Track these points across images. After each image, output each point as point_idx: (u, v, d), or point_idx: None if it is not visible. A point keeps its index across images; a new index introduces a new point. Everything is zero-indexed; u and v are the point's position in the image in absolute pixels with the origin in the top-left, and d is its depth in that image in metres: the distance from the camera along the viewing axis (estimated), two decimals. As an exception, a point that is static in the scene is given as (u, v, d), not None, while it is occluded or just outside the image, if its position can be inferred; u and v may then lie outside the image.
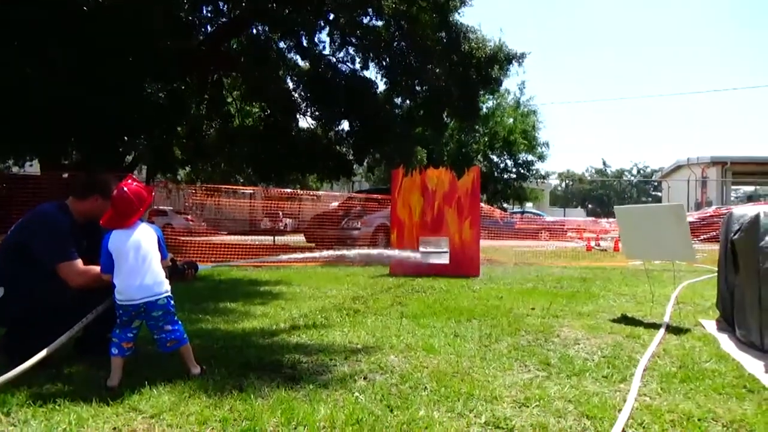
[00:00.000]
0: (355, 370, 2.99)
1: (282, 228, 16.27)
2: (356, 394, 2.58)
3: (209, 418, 2.26)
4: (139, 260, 2.73)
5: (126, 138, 12.86)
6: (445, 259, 7.88)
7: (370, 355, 3.27)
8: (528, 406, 2.45)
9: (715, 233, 12.19)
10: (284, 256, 7.12)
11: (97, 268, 2.87)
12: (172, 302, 2.82)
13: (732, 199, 34.10)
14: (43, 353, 2.70)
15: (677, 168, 38.67)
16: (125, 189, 2.80)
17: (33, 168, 18.08)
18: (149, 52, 9.99)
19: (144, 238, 2.80)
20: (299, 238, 14.74)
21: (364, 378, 2.85)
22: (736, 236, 3.92)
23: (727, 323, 4.16)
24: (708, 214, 17.49)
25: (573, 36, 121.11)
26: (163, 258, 2.92)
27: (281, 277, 7.72)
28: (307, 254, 6.65)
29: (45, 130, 10.09)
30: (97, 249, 2.85)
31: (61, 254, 2.95)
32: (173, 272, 3.07)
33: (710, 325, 4.26)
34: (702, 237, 13.18)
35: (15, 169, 18.20)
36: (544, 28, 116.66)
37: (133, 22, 9.17)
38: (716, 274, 4.66)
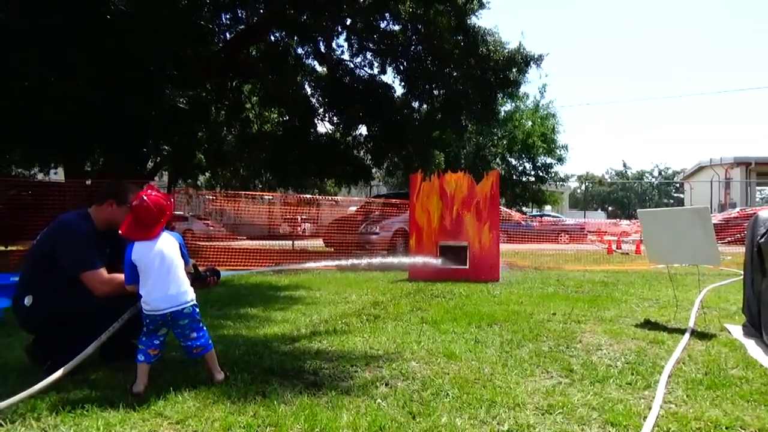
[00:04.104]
0: (376, 376, 2.99)
1: (301, 233, 16.39)
2: (378, 400, 2.58)
3: (233, 424, 2.29)
4: (164, 270, 2.75)
5: (148, 144, 13.05)
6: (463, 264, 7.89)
7: (391, 362, 3.27)
8: (551, 414, 2.43)
9: (740, 235, 11.99)
10: (316, 263, 7.14)
11: (121, 276, 2.89)
12: (197, 310, 2.85)
13: (757, 200, 33.44)
14: (71, 364, 2.74)
15: (699, 169, 38.05)
16: (146, 199, 2.77)
17: (58, 175, 18.45)
18: (169, 59, 10.13)
19: (167, 247, 2.81)
20: (318, 243, 14.82)
21: (386, 384, 2.86)
22: (762, 240, 3.86)
23: (753, 328, 4.08)
24: (732, 216, 17.19)
25: (593, 37, 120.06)
26: (186, 264, 2.94)
27: (300, 281, 7.76)
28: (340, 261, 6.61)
29: (67, 138, 10.27)
30: (121, 257, 2.87)
31: (84, 264, 2.99)
32: (196, 279, 3.10)
33: (736, 331, 4.19)
34: (727, 239, 12.96)
35: (40, 177, 18.60)
36: (563, 29, 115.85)
37: (153, 30, 9.31)
38: (741, 277, 4.58)
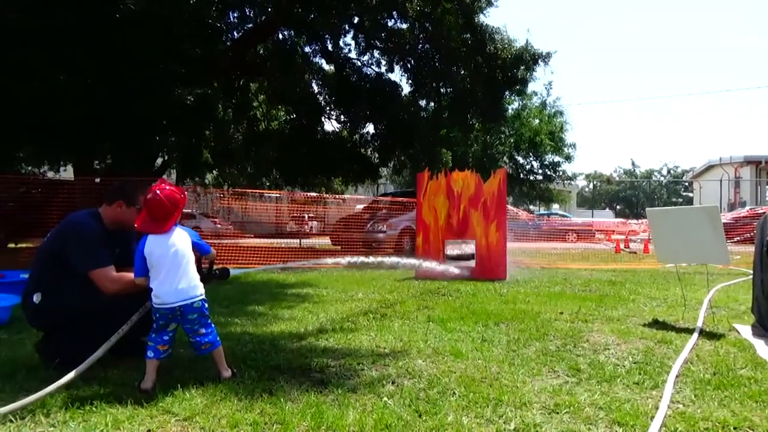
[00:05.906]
0: (383, 374, 3.00)
1: (308, 231, 16.42)
2: (385, 398, 2.59)
3: (240, 421, 2.30)
4: (176, 264, 2.77)
5: (156, 141, 13.10)
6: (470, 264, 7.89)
7: (398, 360, 3.27)
8: (558, 413, 2.42)
9: (749, 234, 11.91)
10: (330, 260, 7.11)
11: (130, 275, 2.91)
12: (207, 305, 2.87)
13: (767, 199, 33.15)
14: (82, 367, 2.74)
15: (709, 168, 37.74)
16: (158, 193, 2.79)
17: (67, 173, 18.57)
18: (177, 58, 10.16)
19: (179, 241, 2.83)
20: (325, 241, 14.85)
21: (393, 383, 2.86)
22: (772, 239, 3.83)
23: (763, 328, 4.05)
24: (742, 215, 17.07)
25: (601, 35, 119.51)
26: (207, 253, 3.02)
27: (307, 279, 7.77)
28: (346, 259, 6.66)
29: (73, 136, 10.34)
30: (130, 257, 2.90)
31: (93, 262, 3.01)
32: (206, 277, 3.10)
33: (745, 331, 4.16)
34: (736, 238, 12.87)
35: (50, 174, 18.72)
36: (572, 27, 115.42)
37: (161, 28, 9.35)
38: (751, 277, 4.55)
